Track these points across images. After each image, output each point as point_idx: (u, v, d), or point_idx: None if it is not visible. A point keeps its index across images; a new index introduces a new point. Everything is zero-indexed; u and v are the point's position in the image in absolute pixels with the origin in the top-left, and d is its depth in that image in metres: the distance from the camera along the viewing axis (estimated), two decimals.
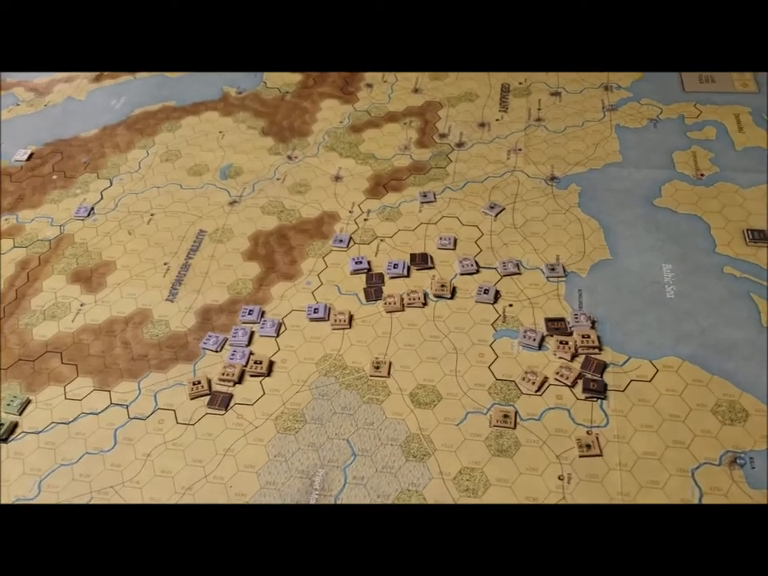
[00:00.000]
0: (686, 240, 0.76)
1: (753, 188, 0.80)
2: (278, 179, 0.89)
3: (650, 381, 0.64)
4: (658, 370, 0.65)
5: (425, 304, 0.73)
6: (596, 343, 0.67)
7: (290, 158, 0.92)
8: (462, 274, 0.76)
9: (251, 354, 0.70)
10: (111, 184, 0.93)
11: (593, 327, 0.69)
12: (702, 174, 0.83)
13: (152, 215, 0.87)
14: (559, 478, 0.59)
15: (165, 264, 0.81)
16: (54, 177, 0.95)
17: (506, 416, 0.63)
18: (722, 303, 0.70)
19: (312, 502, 0.60)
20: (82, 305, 0.78)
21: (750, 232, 0.76)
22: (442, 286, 0.74)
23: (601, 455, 0.60)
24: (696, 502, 0.56)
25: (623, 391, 0.64)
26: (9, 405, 0.69)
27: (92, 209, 0.89)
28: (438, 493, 0.59)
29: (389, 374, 0.68)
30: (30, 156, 0.98)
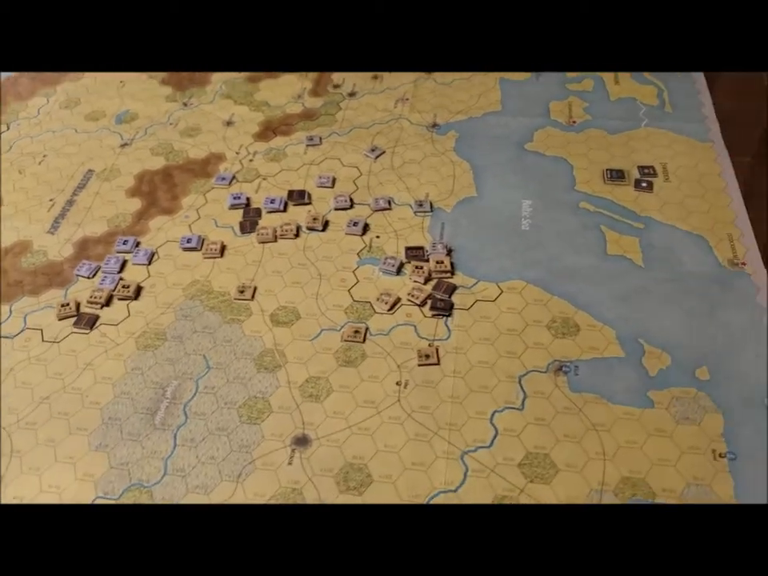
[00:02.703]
0: (548, 179, 0.80)
1: (619, 134, 0.85)
2: (170, 124, 0.91)
3: (493, 300, 0.68)
4: (502, 292, 0.69)
5: (297, 236, 0.76)
6: (448, 268, 0.70)
7: (185, 104, 0.94)
8: (336, 209, 0.79)
9: (121, 279, 0.72)
10: (8, 128, 0.93)
11: (448, 254, 0.72)
12: (573, 122, 0.87)
13: (44, 156, 0.89)
14: (397, 383, 0.62)
15: (50, 200, 0.82)
16: None
17: (356, 332, 0.66)
18: (573, 234, 0.74)
19: (162, 409, 0.62)
20: None
21: (609, 172, 0.80)
22: (315, 219, 0.77)
23: (438, 364, 0.63)
24: (519, 404, 0.60)
25: (467, 310, 0.67)
26: None
27: None
28: (282, 399, 0.62)
29: (253, 297, 0.70)
30: None
